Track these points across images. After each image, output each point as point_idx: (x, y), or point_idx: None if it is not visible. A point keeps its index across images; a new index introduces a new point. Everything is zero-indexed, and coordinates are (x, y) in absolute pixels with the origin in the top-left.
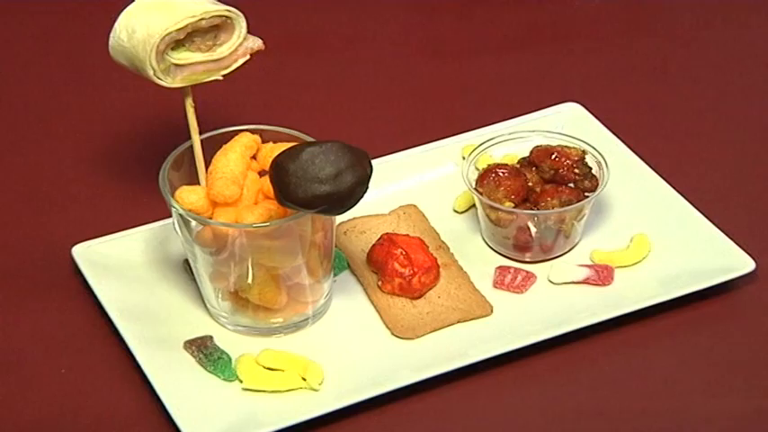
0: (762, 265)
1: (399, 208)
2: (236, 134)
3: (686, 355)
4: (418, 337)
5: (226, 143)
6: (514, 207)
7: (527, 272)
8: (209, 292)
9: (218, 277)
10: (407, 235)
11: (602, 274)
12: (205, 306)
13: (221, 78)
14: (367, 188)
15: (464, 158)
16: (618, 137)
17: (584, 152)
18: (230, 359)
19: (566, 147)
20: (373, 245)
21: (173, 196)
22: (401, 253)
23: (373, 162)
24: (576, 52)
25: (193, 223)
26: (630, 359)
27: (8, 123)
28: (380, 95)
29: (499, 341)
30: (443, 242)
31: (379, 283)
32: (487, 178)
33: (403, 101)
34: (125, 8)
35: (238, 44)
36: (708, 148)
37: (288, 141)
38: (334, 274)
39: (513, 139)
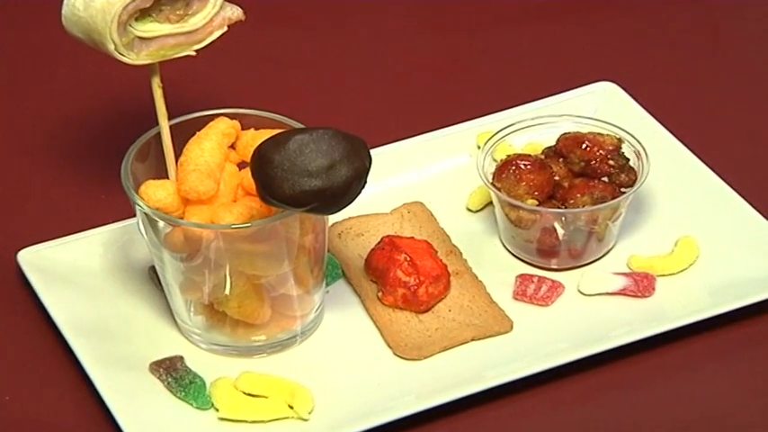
0: None
1: (403, 206)
2: (212, 119)
3: (741, 379)
4: (425, 357)
5: (199, 130)
6: (538, 205)
7: (553, 281)
8: (179, 304)
9: (190, 287)
10: (412, 238)
11: (641, 284)
12: (174, 321)
13: (194, 54)
14: (365, 183)
15: (479, 148)
16: (660, 122)
17: (620, 140)
18: (204, 384)
19: (599, 134)
20: (372, 249)
21: (137, 192)
22: (405, 259)
23: (372, 152)
24: (610, 22)
25: (161, 224)
26: (675, 384)
27: None
28: (381, 74)
29: (520, 362)
30: (455, 246)
31: (380, 294)
32: (507, 171)
33: (407, 80)
34: None
35: (214, 14)
36: (766, 135)
37: (272, 128)
38: (327, 284)
39: (536, 126)
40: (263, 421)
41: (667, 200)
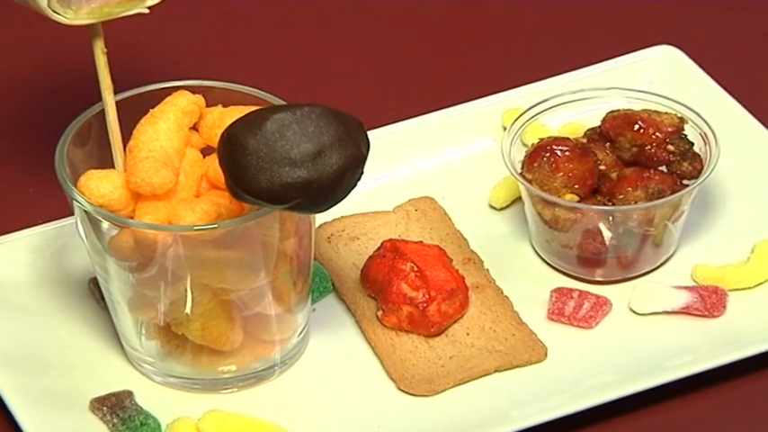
0: None
1: (409, 203)
2: (169, 93)
3: None
4: (437, 392)
5: (154, 107)
6: (579, 201)
7: (598, 297)
8: (128, 326)
9: (141, 305)
10: (421, 242)
11: (708, 301)
12: (122, 347)
13: (147, 12)
14: (361, 174)
15: (505, 129)
16: (733, 96)
17: (682, 120)
18: (159, 425)
19: (655, 112)
20: (371, 257)
21: (75, 185)
22: (411, 269)
23: (371, 134)
24: None
25: (106, 224)
26: (753, 425)
27: None
28: (381, 37)
29: (556, 399)
30: (474, 253)
31: (380, 313)
32: (540, 159)
33: (414, 45)
34: None
35: None
36: None
37: (245, 104)
38: (313, 301)
39: (577, 101)
40: None
41: (741, 195)
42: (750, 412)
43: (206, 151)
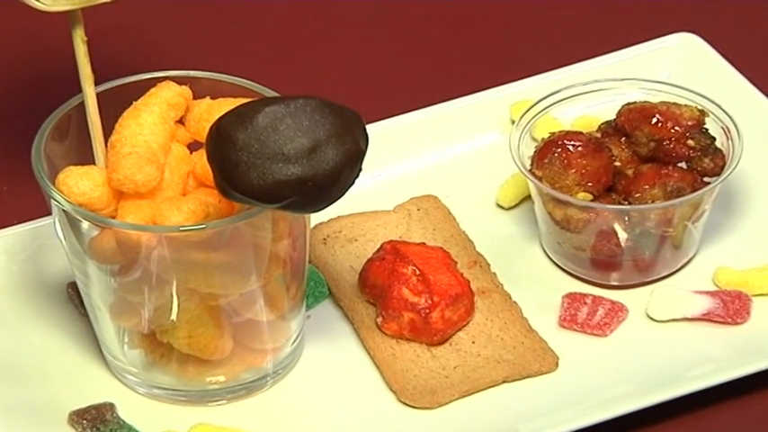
0: None
1: (411, 202)
2: (154, 85)
3: None
4: (440, 405)
5: (137, 99)
6: (593, 200)
7: (613, 302)
8: (109, 334)
9: (124, 311)
10: (423, 244)
11: (731, 307)
12: (103, 357)
13: None
14: (359, 170)
15: (514, 123)
16: (758, 87)
17: (702, 113)
18: None
19: (674, 104)
20: (370, 260)
21: (53, 182)
22: (413, 272)
23: (369, 129)
24: None
25: (86, 225)
26: None
27: None
28: (381, 26)
29: (568, 411)
30: (480, 255)
31: (379, 319)
32: (551, 155)
33: (417, 33)
34: None
35: None
36: None
37: (235, 96)
38: (308, 307)
39: (590, 93)
40: None
41: (766, 193)
42: None
43: (193, 146)
